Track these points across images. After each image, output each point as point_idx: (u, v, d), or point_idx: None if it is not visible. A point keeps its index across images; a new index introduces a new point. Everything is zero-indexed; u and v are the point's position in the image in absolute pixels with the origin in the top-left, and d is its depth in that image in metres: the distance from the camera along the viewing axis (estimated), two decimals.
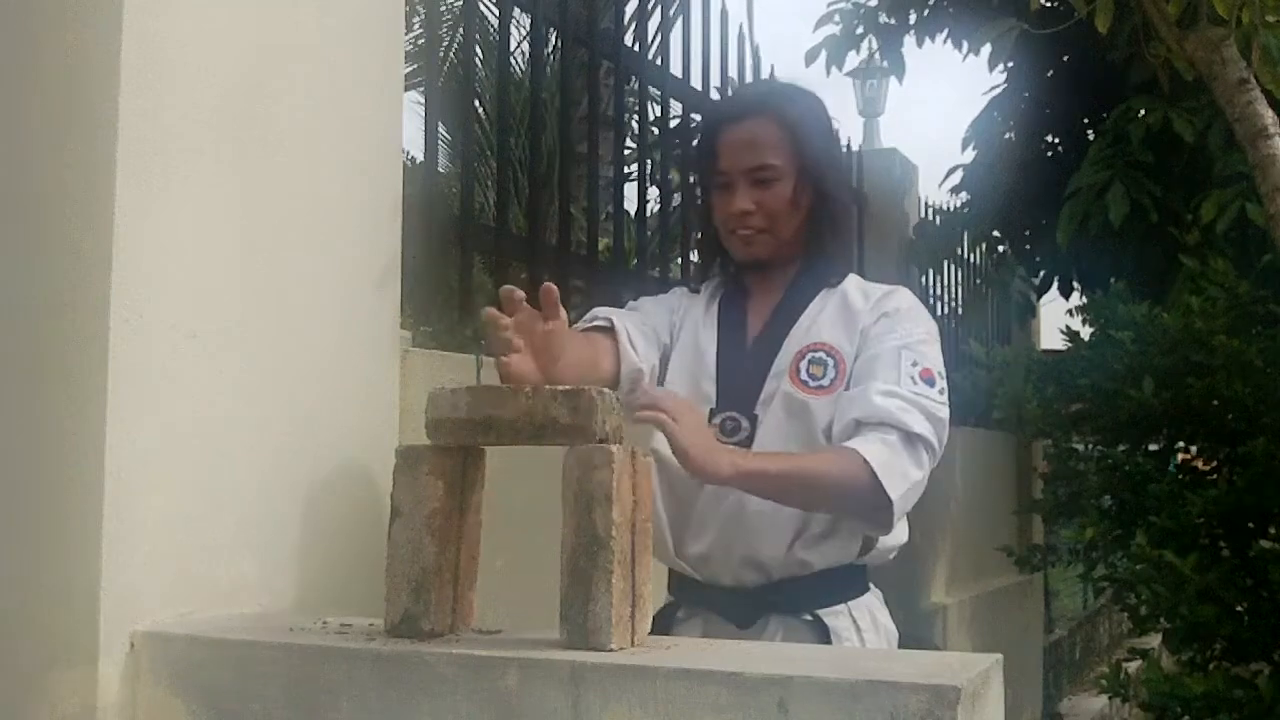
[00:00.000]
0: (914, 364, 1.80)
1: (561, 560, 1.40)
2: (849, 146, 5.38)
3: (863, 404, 1.77)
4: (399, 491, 1.48)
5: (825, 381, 1.83)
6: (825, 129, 1.96)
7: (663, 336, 1.98)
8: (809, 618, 1.84)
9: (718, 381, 1.89)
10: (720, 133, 1.91)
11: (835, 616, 1.86)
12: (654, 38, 3.84)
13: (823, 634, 1.83)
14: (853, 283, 1.95)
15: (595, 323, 1.92)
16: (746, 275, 1.97)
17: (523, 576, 2.46)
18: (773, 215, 1.88)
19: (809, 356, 1.85)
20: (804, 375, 1.84)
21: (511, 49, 3.57)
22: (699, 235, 2.08)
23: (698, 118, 4.08)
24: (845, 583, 1.89)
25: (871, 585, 1.97)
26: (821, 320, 1.88)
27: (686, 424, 1.65)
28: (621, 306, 2.03)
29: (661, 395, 1.72)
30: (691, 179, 1.99)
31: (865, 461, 1.70)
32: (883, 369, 1.79)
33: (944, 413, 1.81)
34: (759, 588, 1.86)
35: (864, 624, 1.88)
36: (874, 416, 1.75)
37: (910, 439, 1.75)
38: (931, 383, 1.81)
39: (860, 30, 4.69)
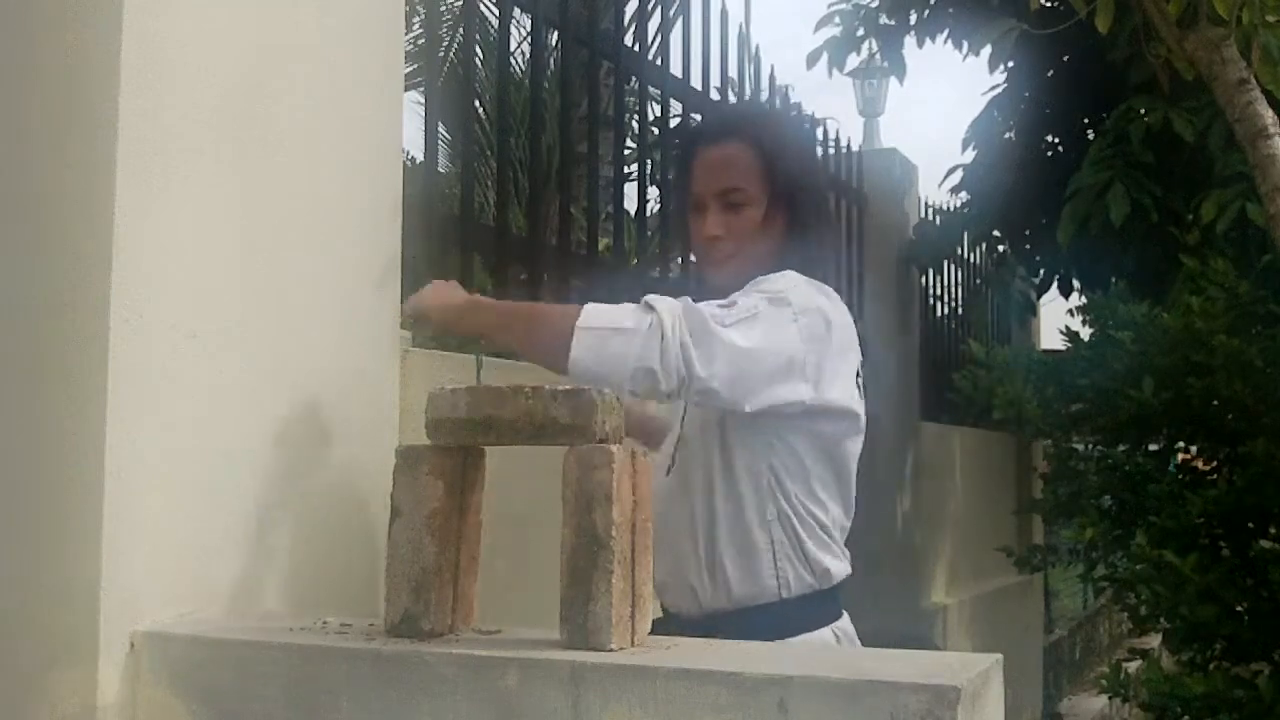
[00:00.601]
0: (719, 303, 1.71)
1: (561, 560, 1.40)
2: (849, 147, 5.39)
3: None
4: (399, 491, 1.48)
5: None
6: (802, 151, 1.95)
7: None
8: None
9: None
10: (694, 154, 1.91)
11: None
12: (654, 38, 3.84)
13: None
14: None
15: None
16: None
17: (523, 576, 2.46)
18: (741, 239, 1.85)
19: None
20: None
21: (511, 49, 3.57)
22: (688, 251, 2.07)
23: (698, 118, 4.09)
24: (785, 618, 1.79)
25: (835, 624, 1.85)
26: None
27: (431, 289, 1.87)
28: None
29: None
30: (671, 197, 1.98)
31: (581, 308, 1.67)
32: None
33: (718, 319, 1.67)
34: (696, 618, 1.81)
35: None
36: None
37: (642, 305, 1.67)
38: (730, 304, 1.70)
39: (861, 32, 4.69)
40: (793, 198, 1.86)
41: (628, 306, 1.68)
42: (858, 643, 1.88)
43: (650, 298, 1.68)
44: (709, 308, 1.68)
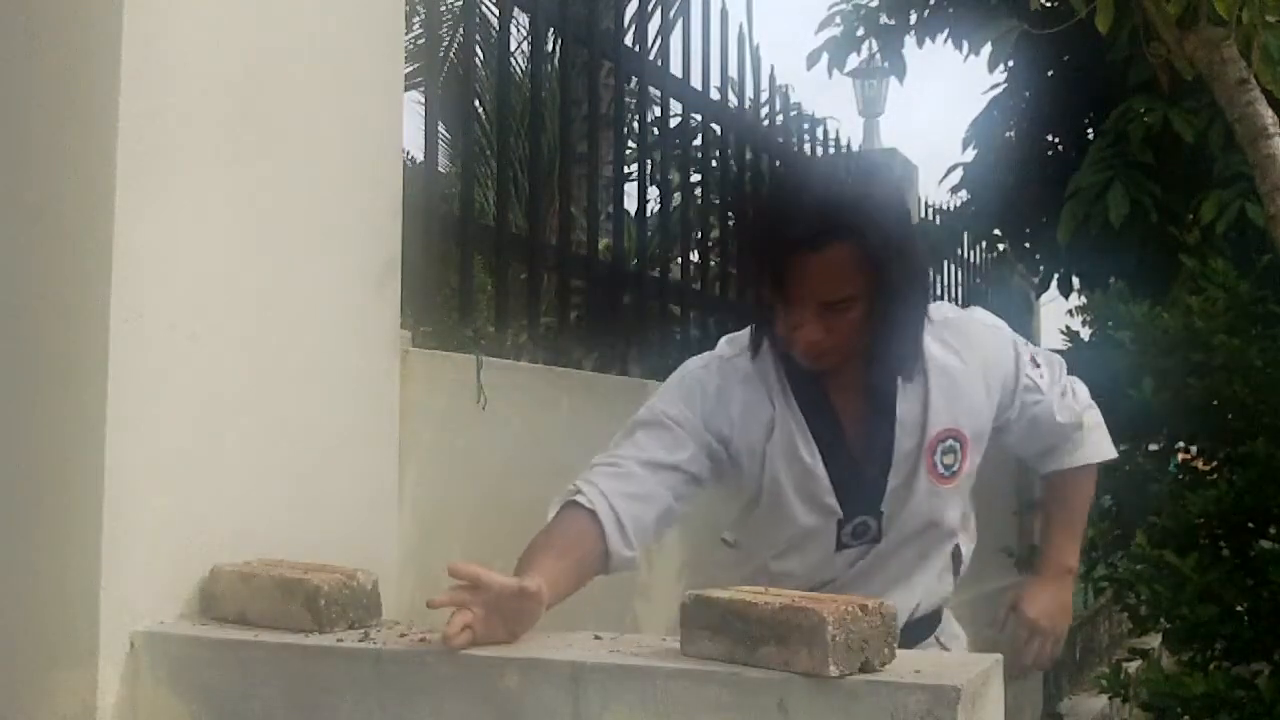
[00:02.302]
0: (1030, 361, 1.93)
1: None
2: (849, 147, 5.39)
3: (1055, 430, 1.96)
4: None
5: (956, 468, 1.83)
6: (904, 232, 1.75)
7: (709, 440, 1.77)
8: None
9: (836, 492, 1.79)
10: (792, 255, 1.65)
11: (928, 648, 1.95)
12: (654, 38, 3.84)
13: None
14: (936, 349, 1.83)
15: (577, 498, 1.67)
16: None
17: None
18: (843, 339, 1.71)
19: (941, 447, 1.81)
20: (940, 467, 1.82)
21: (511, 49, 3.57)
22: (754, 316, 1.83)
23: (698, 118, 4.09)
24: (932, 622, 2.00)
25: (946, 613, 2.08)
26: (936, 403, 1.80)
27: (1050, 627, 2.00)
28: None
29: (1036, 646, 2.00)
30: (749, 261, 1.82)
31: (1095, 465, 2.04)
32: (1049, 400, 1.93)
33: (1059, 360, 1.99)
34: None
35: (946, 640, 2.02)
36: (1066, 434, 1.96)
37: (1090, 410, 2.00)
38: (1040, 364, 1.93)
39: (861, 31, 4.68)
40: (896, 286, 1.70)
41: (1093, 424, 2.01)
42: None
43: (1079, 406, 1.98)
44: (1048, 371, 1.95)
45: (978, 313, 1.98)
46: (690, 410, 1.77)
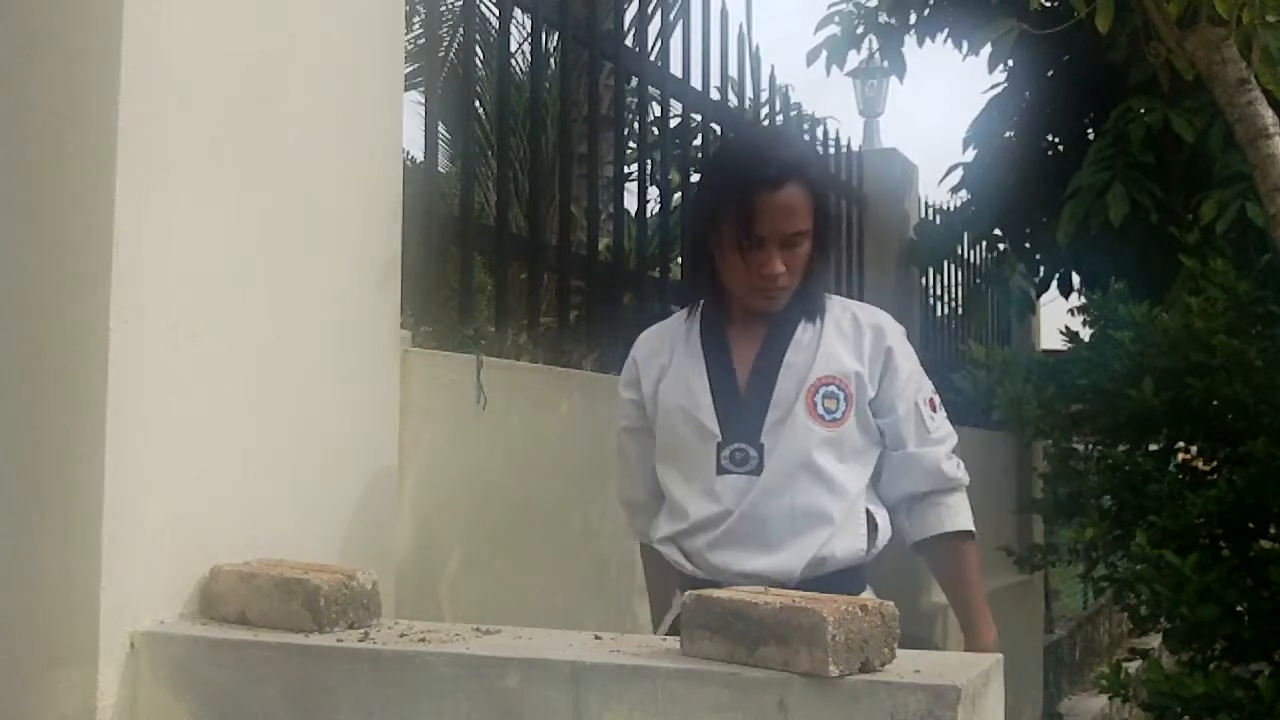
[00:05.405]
0: (926, 401, 2.05)
1: None
2: (849, 147, 5.40)
3: (933, 475, 2.03)
4: None
5: (839, 414, 1.97)
6: (831, 181, 2.14)
7: (641, 381, 2.10)
8: None
9: (718, 415, 1.97)
10: (758, 195, 1.93)
11: None
12: (654, 39, 3.85)
13: None
14: (835, 304, 2.07)
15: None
16: (730, 302, 2.04)
17: (522, 576, 2.46)
18: (796, 274, 1.98)
19: (823, 391, 1.97)
20: (820, 410, 1.96)
21: (511, 49, 3.57)
22: (696, 268, 2.12)
23: (698, 118, 4.09)
24: (846, 582, 1.92)
25: (867, 585, 2.01)
26: (824, 351, 1.99)
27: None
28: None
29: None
30: (706, 221, 2.01)
31: (971, 534, 2.05)
32: (914, 424, 2.03)
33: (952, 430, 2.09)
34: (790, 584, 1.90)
35: None
36: (944, 485, 2.04)
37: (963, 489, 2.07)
38: (937, 409, 2.06)
39: (860, 30, 4.68)
40: (827, 229, 2.03)
41: (964, 498, 2.07)
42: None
43: (962, 476, 2.05)
44: (943, 420, 2.07)
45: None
46: (631, 369, 2.13)
